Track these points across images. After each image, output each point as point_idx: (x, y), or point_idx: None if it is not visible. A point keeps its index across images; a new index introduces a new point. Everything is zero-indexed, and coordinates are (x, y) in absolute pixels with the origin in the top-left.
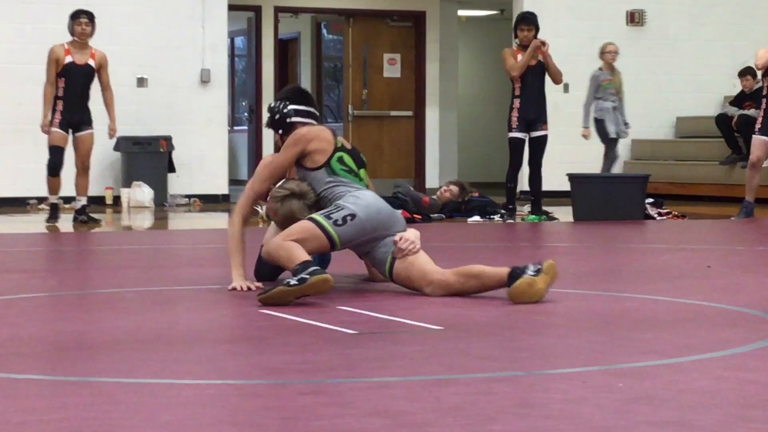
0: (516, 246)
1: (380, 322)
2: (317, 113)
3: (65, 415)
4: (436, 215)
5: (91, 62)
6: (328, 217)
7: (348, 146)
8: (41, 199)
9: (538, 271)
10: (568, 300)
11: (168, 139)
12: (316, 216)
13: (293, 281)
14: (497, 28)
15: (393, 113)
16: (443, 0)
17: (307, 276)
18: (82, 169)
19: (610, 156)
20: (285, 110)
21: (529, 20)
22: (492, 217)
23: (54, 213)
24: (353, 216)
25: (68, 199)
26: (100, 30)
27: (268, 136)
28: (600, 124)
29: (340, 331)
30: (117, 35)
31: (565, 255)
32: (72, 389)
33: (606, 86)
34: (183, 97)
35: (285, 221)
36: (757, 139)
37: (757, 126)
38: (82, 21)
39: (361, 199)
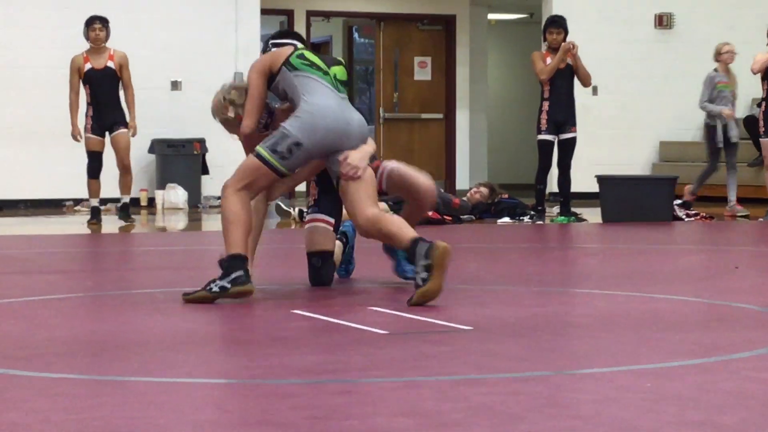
0: (545, 247)
1: (410, 323)
2: (300, 41)
3: (101, 414)
4: (466, 217)
5: (111, 64)
6: (273, 150)
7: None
8: (77, 201)
9: (428, 271)
10: (597, 301)
11: (202, 142)
12: (261, 150)
13: (216, 288)
14: (526, 32)
15: (424, 116)
16: (473, 4)
17: (228, 285)
18: (123, 168)
19: (712, 166)
20: (264, 48)
21: (558, 23)
22: (521, 218)
23: (95, 215)
24: (298, 144)
25: (104, 201)
26: (136, 35)
27: None
28: (711, 131)
29: (371, 331)
30: (151, 40)
31: (593, 256)
32: (107, 389)
33: (721, 89)
34: None
35: (224, 119)
36: (765, 142)
37: (761, 129)
38: (95, 27)
39: (308, 121)
